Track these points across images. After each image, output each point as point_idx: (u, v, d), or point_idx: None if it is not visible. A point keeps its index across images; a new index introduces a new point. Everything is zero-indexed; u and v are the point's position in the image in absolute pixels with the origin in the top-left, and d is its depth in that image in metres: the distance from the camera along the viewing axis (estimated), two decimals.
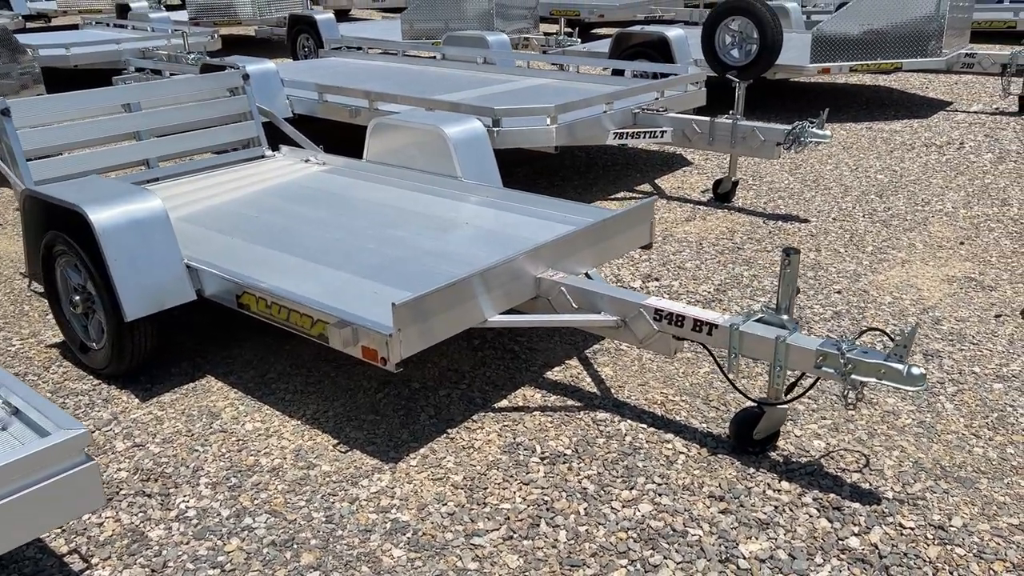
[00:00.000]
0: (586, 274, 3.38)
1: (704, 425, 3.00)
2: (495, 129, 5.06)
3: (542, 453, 2.87)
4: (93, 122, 4.41)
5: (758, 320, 2.68)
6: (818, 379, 2.62)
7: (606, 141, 5.48)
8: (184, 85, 4.85)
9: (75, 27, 13.49)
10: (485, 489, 2.70)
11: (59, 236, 3.31)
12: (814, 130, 4.91)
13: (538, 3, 10.68)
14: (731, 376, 3.04)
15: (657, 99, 5.88)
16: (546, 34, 10.07)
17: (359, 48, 8.82)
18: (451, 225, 3.75)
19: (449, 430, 3.02)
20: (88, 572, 2.38)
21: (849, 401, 2.48)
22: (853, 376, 2.44)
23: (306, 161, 4.95)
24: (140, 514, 2.62)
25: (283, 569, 2.37)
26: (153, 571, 2.38)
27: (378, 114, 5.74)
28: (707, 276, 4.33)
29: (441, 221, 3.80)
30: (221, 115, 4.92)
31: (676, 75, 6.24)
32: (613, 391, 3.23)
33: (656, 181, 6.06)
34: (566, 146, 5.71)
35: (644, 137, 5.52)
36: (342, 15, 18.19)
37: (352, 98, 5.95)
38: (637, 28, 8.01)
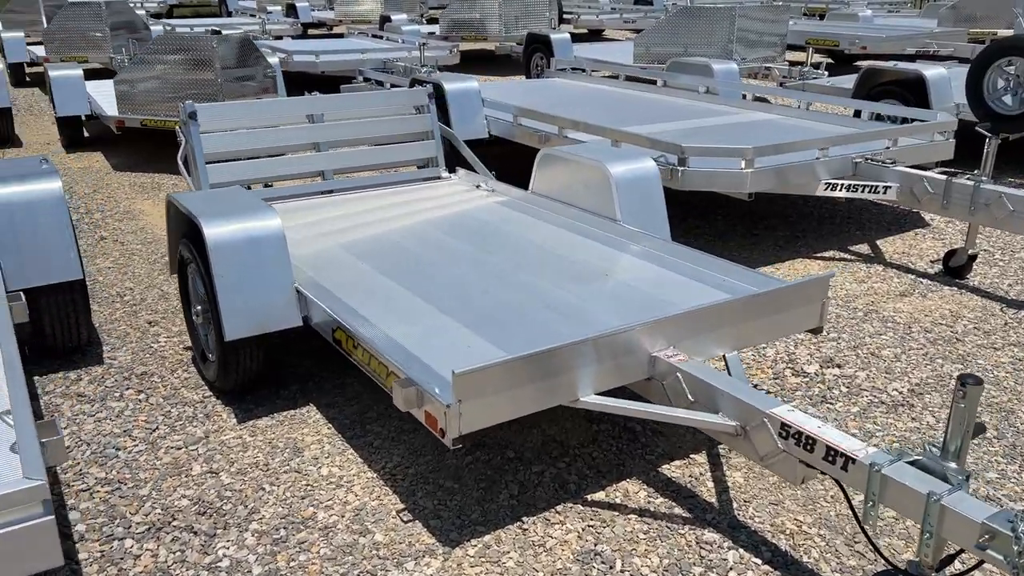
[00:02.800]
0: (724, 358, 2.83)
1: (835, 575, 2.36)
2: (679, 169, 4.55)
3: (621, 570, 2.39)
4: (275, 131, 4.47)
5: (912, 462, 2.02)
6: (981, 562, 1.92)
7: (816, 191, 4.77)
8: (370, 100, 4.81)
9: (341, 35, 14.47)
10: None
11: (188, 245, 3.30)
12: None
13: (788, 31, 9.87)
14: (868, 529, 2.36)
15: (888, 148, 5.05)
16: (791, 64, 9.26)
17: (582, 70, 8.56)
18: (592, 276, 3.33)
19: (526, 518, 2.62)
20: None
21: None
22: None
23: (477, 187, 4.73)
24: (178, 552, 2.47)
25: None
26: None
27: (566, 142, 5.43)
28: (905, 371, 3.56)
29: (582, 269, 3.39)
30: (403, 132, 4.84)
31: (921, 121, 5.35)
32: (736, 506, 2.66)
33: (877, 242, 5.21)
34: (767, 193, 5.05)
35: (863, 191, 4.74)
36: (596, 35, 18.13)
37: (543, 123, 5.67)
38: (890, 64, 7.06)
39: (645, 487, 2.76)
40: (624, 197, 3.83)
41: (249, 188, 3.96)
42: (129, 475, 2.84)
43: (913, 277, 4.64)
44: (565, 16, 16.57)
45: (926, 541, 1.94)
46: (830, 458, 2.13)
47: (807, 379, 3.49)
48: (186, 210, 3.16)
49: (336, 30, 18.07)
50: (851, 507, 2.24)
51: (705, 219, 5.65)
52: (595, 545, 2.49)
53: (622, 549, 2.48)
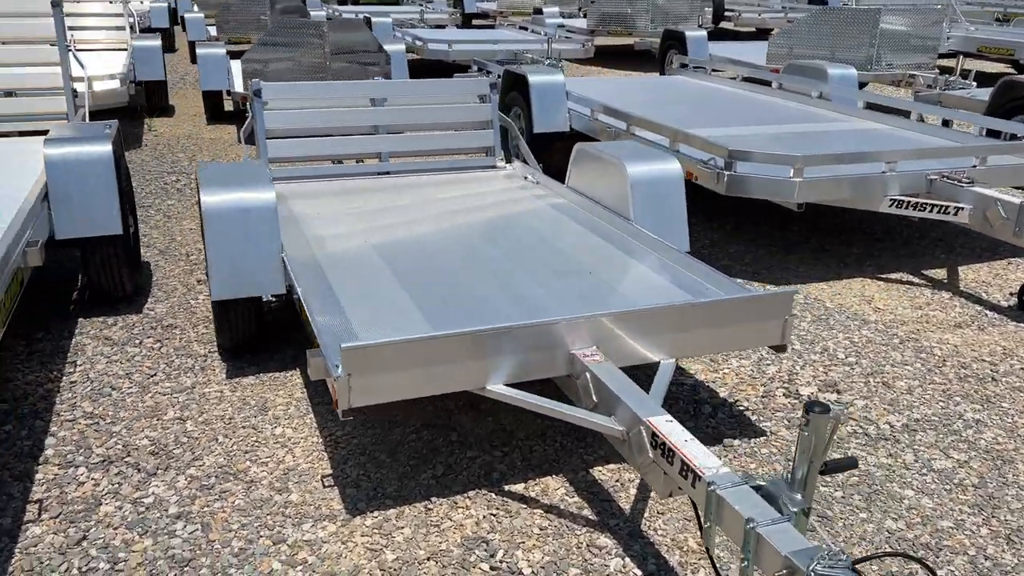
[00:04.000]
0: (682, 366, 2.75)
1: None
2: (725, 173, 4.39)
3: (498, 563, 2.40)
4: (336, 111, 4.71)
5: (756, 487, 1.92)
6: None
7: (880, 208, 4.46)
8: (433, 87, 4.96)
9: (491, 27, 14.77)
10: None
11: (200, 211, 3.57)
12: None
13: (944, 36, 9.13)
14: (709, 547, 2.20)
15: (975, 166, 4.62)
16: (942, 71, 8.58)
17: (703, 68, 8.33)
18: (576, 272, 3.31)
19: (436, 499, 2.67)
20: (30, 526, 2.53)
21: None
22: None
23: (525, 178, 4.77)
24: (115, 485, 2.71)
25: None
26: (76, 543, 2.44)
27: (633, 138, 5.35)
28: (911, 405, 3.30)
29: (571, 266, 3.37)
30: (463, 120, 4.95)
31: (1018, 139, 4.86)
32: (647, 516, 2.59)
33: (960, 268, 4.79)
34: (820, 204, 4.74)
35: (931, 211, 4.38)
36: (765, 34, 17.45)
37: (616, 120, 5.60)
38: None
39: (567, 485, 2.74)
40: (639, 197, 3.76)
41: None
42: (111, 412, 3.14)
43: (980, 308, 4.24)
44: (726, 14, 16.10)
45: (743, 568, 1.83)
46: (684, 473, 2.05)
47: (797, 401, 3.30)
48: (198, 179, 3.43)
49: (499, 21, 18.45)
50: (700, 525, 2.13)
51: (781, 228, 5.40)
52: (488, 533, 2.51)
53: (511, 541, 2.48)
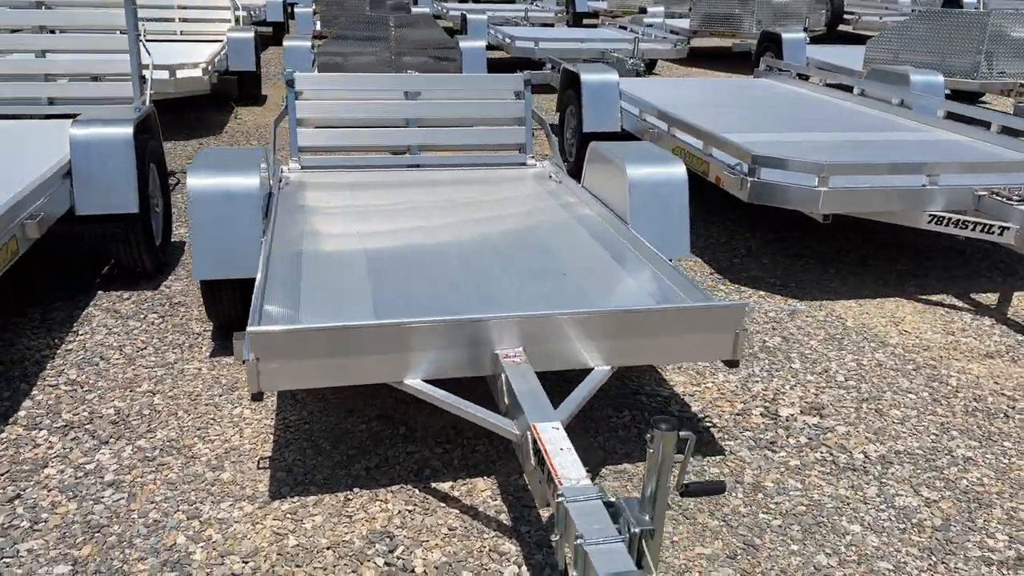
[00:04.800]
0: (618, 374, 2.64)
1: None
2: (749, 179, 4.18)
3: (395, 559, 2.37)
4: (366, 103, 4.78)
5: (607, 503, 1.81)
6: None
7: (920, 224, 4.14)
8: (468, 82, 4.96)
9: (594, 26, 14.64)
10: (294, 573, 2.33)
11: None
12: None
13: None
14: (558, 561, 2.04)
15: None
16: None
17: (787, 72, 7.97)
18: (552, 274, 3.22)
19: (359, 490, 2.66)
20: None
21: None
22: None
23: (549, 177, 4.70)
24: (67, 449, 2.84)
25: (57, 551, 2.37)
26: (8, 500, 2.58)
27: (673, 141, 5.18)
28: (897, 436, 3.05)
29: (552, 267, 3.28)
30: (495, 116, 4.93)
31: None
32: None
33: (1016, 292, 4.39)
34: (850, 217, 4.42)
35: (975, 229, 4.03)
36: None
37: (660, 121, 5.44)
38: None
39: (494, 488, 2.68)
40: (638, 200, 3.63)
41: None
42: (92, 381, 3.29)
43: (1022, 339, 3.88)
44: (846, 16, 15.36)
45: None
46: (549, 483, 1.96)
47: (771, 422, 3.11)
48: (192, 163, 3.55)
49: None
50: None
51: (825, 239, 5.10)
52: (396, 529, 2.49)
53: (415, 539, 2.45)
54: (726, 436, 3.02)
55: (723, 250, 4.97)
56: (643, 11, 14.18)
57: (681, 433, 1.73)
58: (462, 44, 8.87)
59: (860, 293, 4.35)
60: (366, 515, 2.55)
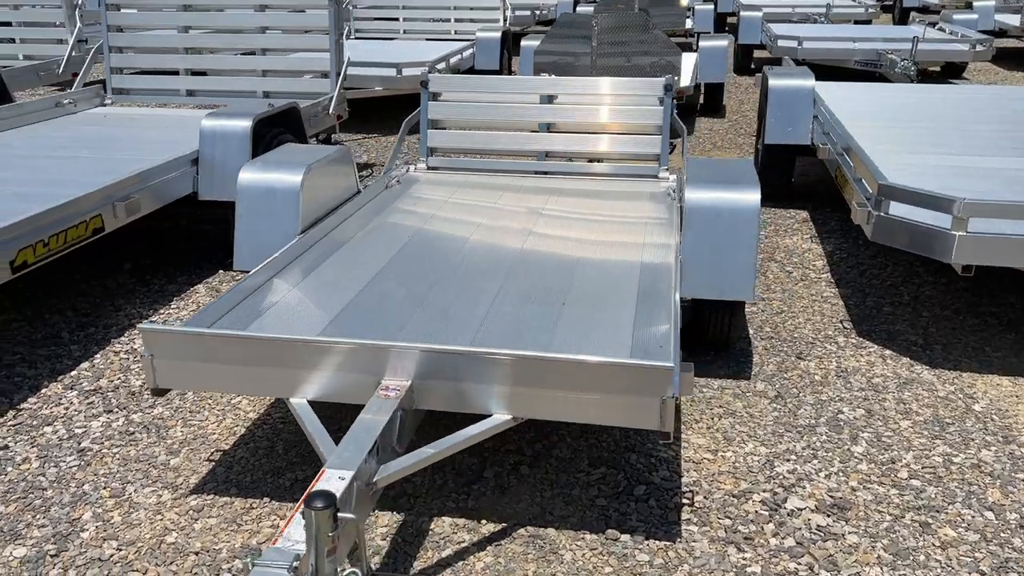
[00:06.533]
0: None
1: None
2: (874, 213, 3.44)
3: None
4: (497, 106, 4.69)
5: (289, 572, 1.58)
6: None
7: None
8: (606, 86, 4.65)
9: (904, 23, 12.98)
10: (147, 570, 2.35)
11: None
12: None
13: None
14: None
15: None
16: None
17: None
18: (552, 302, 2.91)
19: (268, 500, 2.62)
20: None
21: None
22: None
23: (669, 194, 4.26)
24: (79, 411, 3.13)
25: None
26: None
27: (840, 158, 4.43)
28: (928, 568, 2.32)
29: (561, 295, 2.96)
30: (633, 122, 4.58)
31: None
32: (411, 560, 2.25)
33: None
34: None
35: None
36: None
37: (831, 136, 4.66)
38: None
39: (397, 517, 2.49)
40: (693, 229, 3.16)
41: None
42: (92, 355, 3.60)
43: None
44: None
45: None
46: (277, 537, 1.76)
47: (766, 514, 2.53)
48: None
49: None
50: None
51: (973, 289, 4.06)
52: (265, 547, 2.41)
53: None
54: (695, 519, 2.52)
55: (885, 293, 4.16)
56: (968, 5, 12.30)
57: (342, 514, 1.46)
58: (702, 43, 8.38)
59: (1020, 371, 3.40)
60: (254, 527, 2.50)
